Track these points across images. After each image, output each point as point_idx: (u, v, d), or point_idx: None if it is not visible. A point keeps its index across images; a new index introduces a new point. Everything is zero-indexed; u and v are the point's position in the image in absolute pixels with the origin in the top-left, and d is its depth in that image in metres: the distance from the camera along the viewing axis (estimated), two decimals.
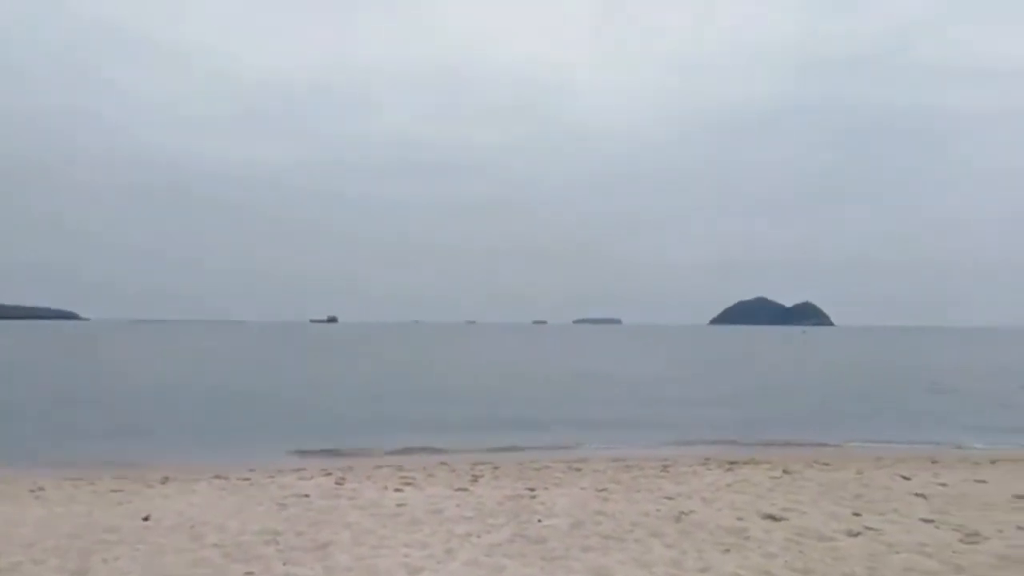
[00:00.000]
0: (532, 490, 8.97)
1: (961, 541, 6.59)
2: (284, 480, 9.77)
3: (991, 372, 39.22)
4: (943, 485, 9.41)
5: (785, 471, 10.59)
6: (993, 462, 11.73)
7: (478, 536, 6.72)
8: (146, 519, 7.35)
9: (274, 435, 15.71)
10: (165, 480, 9.99)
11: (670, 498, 8.51)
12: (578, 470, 10.87)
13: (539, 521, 7.29)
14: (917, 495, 8.71)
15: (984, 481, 9.72)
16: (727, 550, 6.30)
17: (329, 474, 10.39)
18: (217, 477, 10.12)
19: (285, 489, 9.00)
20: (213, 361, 46.79)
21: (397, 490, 8.99)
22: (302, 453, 13.37)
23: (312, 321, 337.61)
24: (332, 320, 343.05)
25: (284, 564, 5.88)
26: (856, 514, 7.65)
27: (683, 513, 7.64)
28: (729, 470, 10.80)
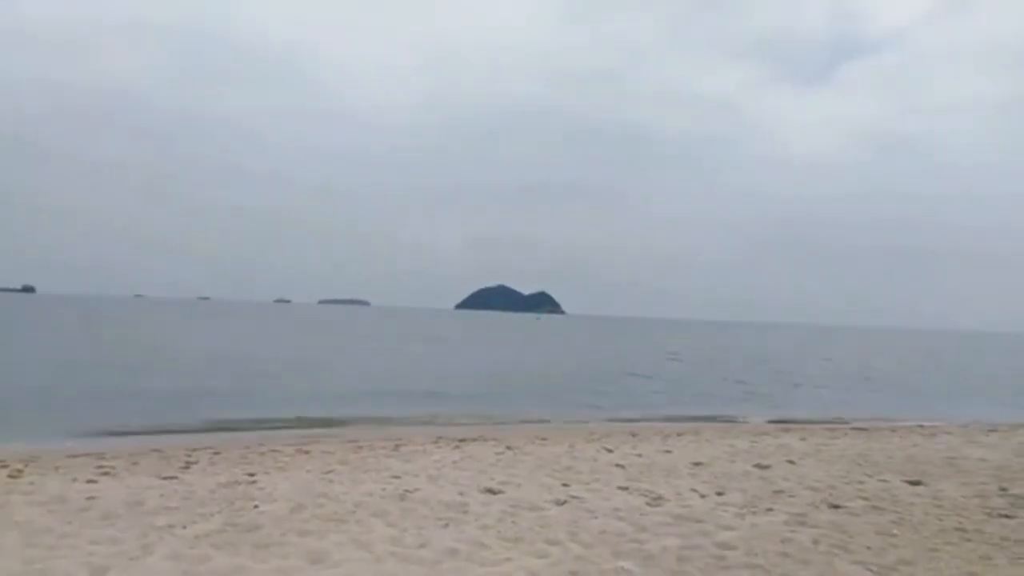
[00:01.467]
0: (252, 475, 8.44)
1: (647, 504, 7.47)
2: None
3: (676, 358, 45.44)
4: (639, 456, 10.63)
5: (508, 447, 11.21)
6: (679, 435, 13.52)
7: (183, 527, 6.12)
8: None
9: None
10: None
11: (397, 477, 8.54)
12: (307, 452, 10.49)
13: (255, 507, 6.86)
14: (617, 465, 9.73)
15: (670, 451, 11.16)
16: (446, 525, 6.46)
17: (4, 466, 8.83)
18: None
19: None
20: None
21: (90, 481, 7.89)
22: None
23: (1, 290, 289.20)
24: (28, 290, 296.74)
25: None
26: (565, 484, 8.33)
27: (407, 491, 7.71)
28: (457, 447, 11.16)
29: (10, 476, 8.13)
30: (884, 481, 9.02)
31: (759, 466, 9.91)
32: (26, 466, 8.82)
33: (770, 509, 7.35)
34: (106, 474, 8.40)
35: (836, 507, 7.49)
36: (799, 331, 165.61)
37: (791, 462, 10.36)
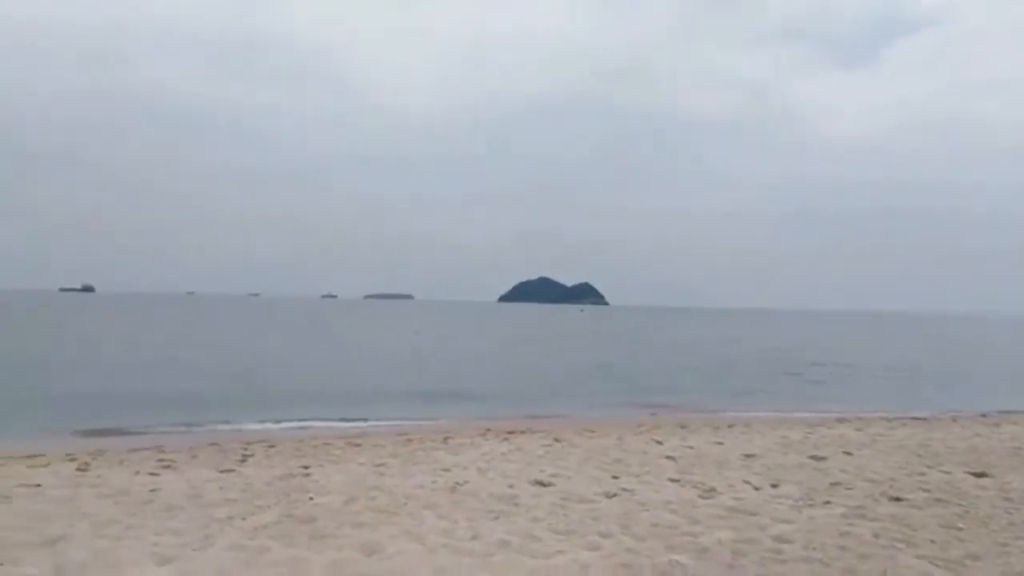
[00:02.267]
0: (306, 468, 8.61)
1: (700, 496, 7.38)
2: (11, 469, 8.43)
3: (722, 344, 44.73)
4: (689, 448, 10.51)
5: (556, 439, 11.19)
6: (730, 426, 13.32)
7: (242, 519, 6.28)
8: None
9: (9, 416, 13.61)
10: None
11: (446, 469, 8.61)
12: (358, 445, 10.65)
13: (311, 499, 7.00)
14: (667, 457, 9.63)
15: (722, 443, 11.00)
16: (497, 517, 6.49)
17: (73, 459, 9.20)
18: None
19: (11, 479, 7.76)
20: None
21: (152, 474, 8.16)
22: (44, 436, 11.70)
23: (63, 290, 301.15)
24: (88, 289, 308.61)
25: (1, 564, 5.06)
26: (615, 477, 8.28)
27: (458, 484, 7.76)
28: (505, 440, 11.19)
29: (79, 469, 8.45)
30: (947, 473, 8.74)
31: (814, 457, 9.70)
32: (93, 459, 9.16)
33: (827, 502, 7.18)
34: (167, 467, 8.67)
35: (897, 500, 7.29)
36: (847, 319, 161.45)
37: (848, 453, 10.12)
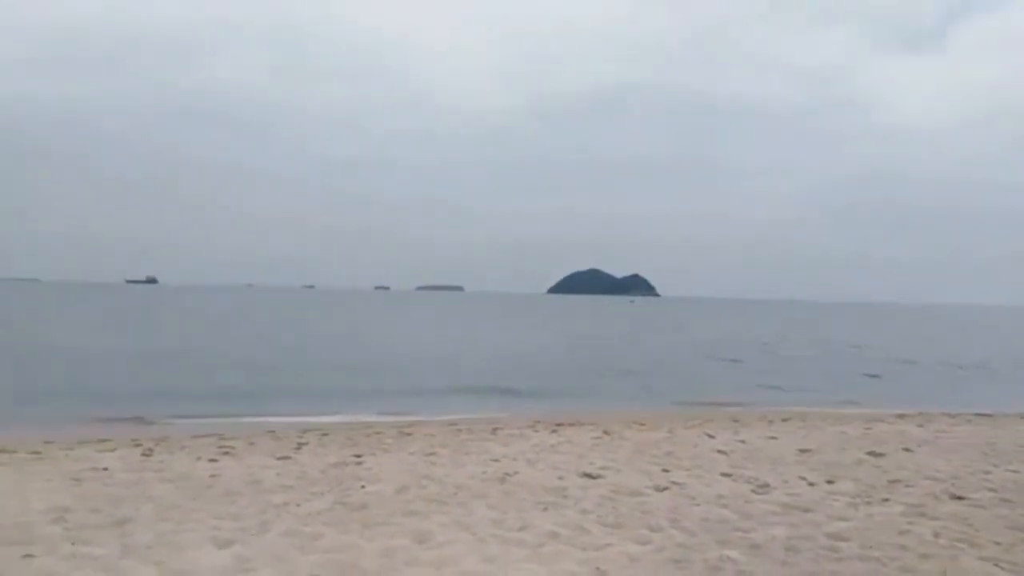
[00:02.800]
0: (359, 456, 8.78)
1: (753, 492, 7.27)
2: (82, 452, 8.85)
3: (775, 336, 43.77)
4: (742, 442, 10.33)
5: (606, 432, 11.14)
6: (785, 420, 13.05)
7: (297, 505, 6.46)
8: None
9: (80, 403, 14.24)
10: None
11: (496, 460, 8.67)
12: (409, 435, 10.80)
13: (363, 487, 7.15)
14: (719, 452, 9.50)
15: (776, 438, 10.79)
16: (546, 508, 6.51)
17: (138, 445, 9.57)
18: (0, 451, 8.98)
19: (81, 463, 8.14)
20: (6, 320, 41.63)
21: (212, 460, 8.43)
22: (110, 422, 12.21)
23: (129, 281, 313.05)
24: (151, 281, 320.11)
25: (73, 544, 5.32)
26: (665, 470, 8.21)
27: (507, 474, 7.81)
28: (554, 431, 11.20)
29: (143, 455, 8.79)
30: (1014, 472, 8.40)
31: (873, 454, 9.44)
32: (156, 445, 9.52)
33: (886, 499, 6.99)
34: (226, 454, 8.95)
35: (959, 498, 7.04)
36: (909, 312, 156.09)
37: (908, 450, 9.82)
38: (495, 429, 11.43)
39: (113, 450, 9.09)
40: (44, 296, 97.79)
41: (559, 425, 12.01)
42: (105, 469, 7.81)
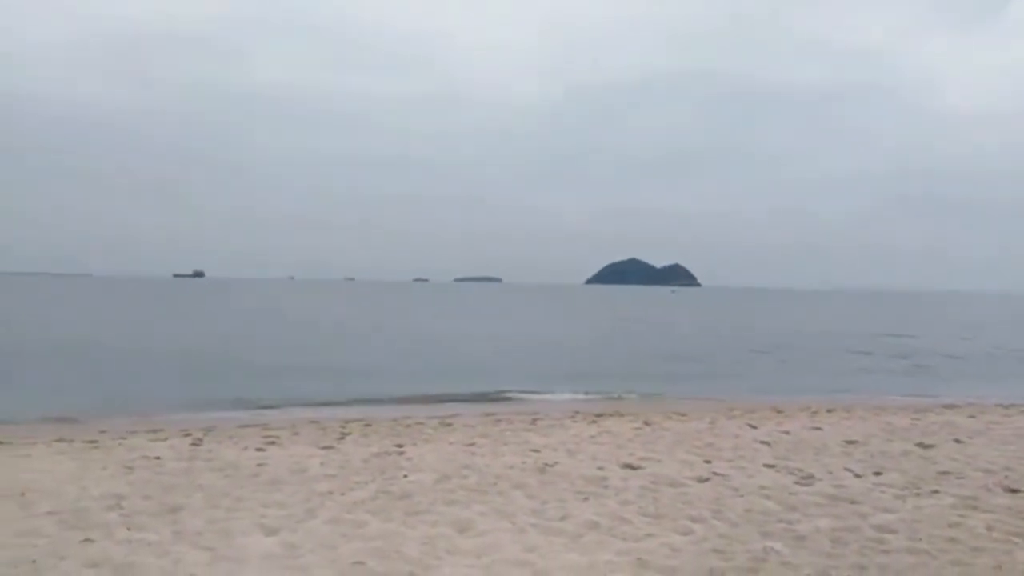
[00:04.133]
0: (400, 446, 8.90)
1: (797, 483, 7.16)
2: (135, 442, 9.14)
3: (819, 332, 42.89)
4: (785, 433, 10.18)
5: (646, 422, 11.08)
6: (829, 411, 12.81)
7: (341, 494, 6.58)
8: None
9: (131, 394, 14.74)
10: None
11: (536, 450, 8.70)
12: (449, 425, 10.90)
13: (405, 477, 7.25)
14: (762, 442, 9.37)
15: (820, 428, 10.61)
16: (586, 498, 6.52)
17: (188, 434, 9.84)
18: (59, 440, 9.31)
19: (134, 451, 8.42)
20: (60, 316, 43.12)
21: (259, 450, 8.63)
22: (161, 412, 12.61)
23: (176, 276, 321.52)
24: (198, 275, 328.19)
25: (128, 529, 5.51)
26: (707, 461, 8.14)
27: (547, 464, 7.84)
28: (594, 422, 11.18)
29: (192, 444, 9.05)
30: None
31: (921, 445, 9.22)
32: (205, 435, 9.77)
33: (935, 491, 6.83)
34: (272, 443, 9.15)
35: (1014, 491, 6.84)
36: (959, 299, 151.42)
37: (958, 441, 9.56)
38: (534, 419, 11.46)
39: (164, 439, 9.36)
40: (96, 291, 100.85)
41: (599, 416, 11.98)
42: (157, 458, 8.05)
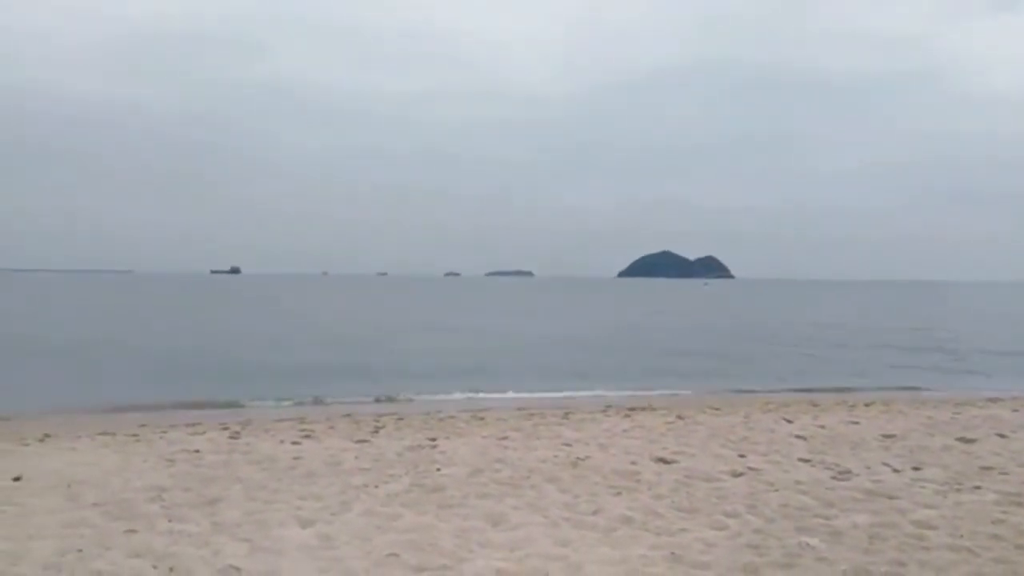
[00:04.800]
0: (433, 440, 8.97)
1: (833, 478, 7.06)
2: (175, 435, 9.36)
3: (855, 324, 42.08)
4: (821, 427, 10.03)
5: (679, 416, 11.01)
6: (867, 405, 12.59)
7: (375, 487, 6.66)
8: (17, 479, 6.88)
9: (171, 389, 15.09)
10: (44, 438, 9.35)
11: (568, 444, 8.70)
12: (481, 419, 10.95)
13: (438, 470, 7.31)
14: (797, 437, 9.25)
15: (857, 423, 10.43)
16: (619, 493, 6.51)
17: (225, 428, 10.05)
18: (103, 433, 9.57)
19: (174, 445, 8.63)
20: (102, 312, 44.24)
21: (294, 443, 8.78)
22: (199, 407, 12.91)
23: (213, 272, 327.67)
24: (235, 271, 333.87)
25: (169, 521, 5.65)
26: (741, 456, 8.06)
27: (579, 459, 7.83)
28: (627, 416, 11.14)
29: (231, 437, 9.23)
30: None
31: (963, 440, 9.01)
32: (243, 428, 9.97)
33: (977, 487, 6.67)
34: (307, 437, 9.29)
35: None
36: (1002, 290, 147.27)
37: (1001, 435, 9.33)
38: (567, 414, 11.46)
39: (203, 433, 9.57)
40: (137, 287, 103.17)
41: (631, 410, 11.93)
42: (196, 451, 8.23)
